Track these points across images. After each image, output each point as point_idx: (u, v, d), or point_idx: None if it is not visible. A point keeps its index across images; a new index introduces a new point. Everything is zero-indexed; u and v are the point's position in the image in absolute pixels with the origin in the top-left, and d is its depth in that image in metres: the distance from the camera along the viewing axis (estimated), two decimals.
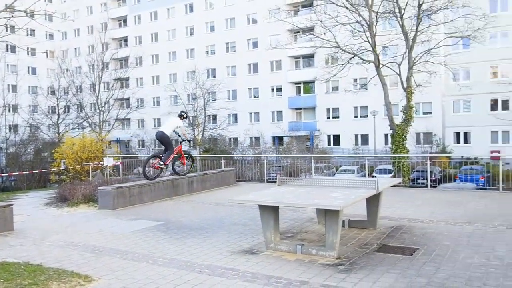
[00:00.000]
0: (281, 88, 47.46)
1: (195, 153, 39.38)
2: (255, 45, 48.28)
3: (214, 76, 49.65)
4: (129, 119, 47.57)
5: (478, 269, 5.27)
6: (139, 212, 9.82)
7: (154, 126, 52.88)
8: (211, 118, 45.61)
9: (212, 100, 45.21)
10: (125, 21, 58.67)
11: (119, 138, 50.44)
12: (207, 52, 52.03)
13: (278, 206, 6.50)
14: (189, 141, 11.91)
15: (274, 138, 44.99)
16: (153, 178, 11.39)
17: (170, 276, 5.41)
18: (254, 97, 49.18)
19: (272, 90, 48.10)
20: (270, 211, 6.35)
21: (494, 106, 37.97)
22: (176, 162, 11.97)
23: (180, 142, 11.56)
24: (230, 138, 45.11)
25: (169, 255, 6.31)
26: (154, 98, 54.63)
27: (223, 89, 46.41)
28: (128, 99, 47.89)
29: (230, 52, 50.45)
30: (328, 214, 5.91)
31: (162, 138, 10.94)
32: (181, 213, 9.72)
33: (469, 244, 6.40)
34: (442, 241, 6.63)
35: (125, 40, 58.50)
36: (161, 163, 10.94)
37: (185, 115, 11.59)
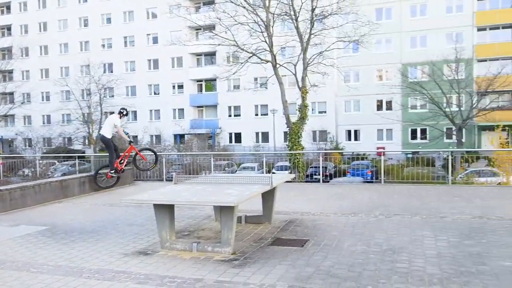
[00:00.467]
0: (182, 85, 46.89)
1: (89, 152, 37.17)
2: (155, 40, 47.05)
3: (111, 71, 47.38)
4: (13, 115, 43.33)
5: (360, 256, 5.71)
6: (21, 217, 8.98)
7: (43, 123, 48.84)
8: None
9: (110, 96, 43.09)
10: (8, 7, 53.24)
11: (1, 136, 45.72)
12: (103, 45, 49.41)
13: (173, 205, 6.39)
14: (130, 142, 11.28)
15: (175, 136, 44.30)
16: (110, 185, 10.68)
17: (55, 284, 5.03)
18: (155, 94, 47.95)
19: (173, 87, 47.32)
20: (165, 210, 6.22)
21: (379, 106, 41.62)
22: (137, 158, 11.35)
23: (130, 143, 11.04)
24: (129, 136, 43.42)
25: (54, 262, 5.85)
26: (43, 93, 50.45)
27: (121, 85, 44.53)
28: (12, 93, 43.59)
29: (128, 46, 48.50)
30: (223, 211, 5.96)
31: (103, 142, 10.27)
32: (70, 216, 9.09)
33: (353, 233, 6.90)
34: (331, 231, 7.07)
35: (9, 28, 53.13)
36: (112, 172, 10.29)
37: (125, 112, 10.83)
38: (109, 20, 49.00)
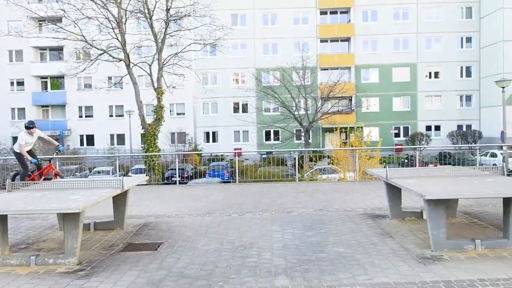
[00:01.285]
0: (23, 82, 41.94)
1: None
2: None
3: None
4: None
5: (213, 254, 5.79)
6: None
7: None
8: None
9: None
10: None
11: None
12: None
13: (6, 215, 5.64)
14: (37, 164, 9.47)
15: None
16: None
17: None
18: None
19: (12, 83, 42.05)
20: None
21: (236, 108, 43.15)
22: None
23: (49, 161, 9.89)
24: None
25: None
26: None
27: None
28: None
29: None
30: (66, 218, 5.46)
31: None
32: None
33: (207, 233, 6.98)
34: (185, 232, 7.03)
35: None
36: None
37: (31, 126, 9.03)
38: None
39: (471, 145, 36.17)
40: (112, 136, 41.43)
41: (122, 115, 39.90)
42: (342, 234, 6.63)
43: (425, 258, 5.33)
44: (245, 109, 42.51)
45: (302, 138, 35.29)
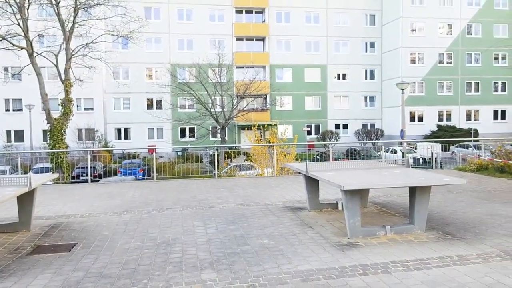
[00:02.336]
0: None
1: None
2: None
3: None
4: None
5: (134, 252, 5.56)
6: None
7: None
8: None
9: None
10: None
11: None
12: None
13: None
14: None
15: None
16: None
17: None
18: None
19: None
20: None
21: (150, 105, 41.84)
22: None
23: None
24: None
25: None
26: None
27: None
28: None
29: None
30: None
31: None
32: None
33: (126, 231, 6.68)
34: (102, 232, 6.67)
35: None
36: None
37: None
38: None
39: (376, 141, 38.92)
40: (8, 132, 37.92)
41: (21, 110, 36.71)
42: (264, 226, 6.74)
43: (343, 245, 5.62)
44: (159, 106, 41.39)
45: (218, 135, 35.32)
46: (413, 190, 5.96)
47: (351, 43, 44.49)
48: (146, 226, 6.95)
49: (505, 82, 43.68)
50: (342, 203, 7.75)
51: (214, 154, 13.96)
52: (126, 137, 41.54)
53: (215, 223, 7.07)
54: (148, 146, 36.64)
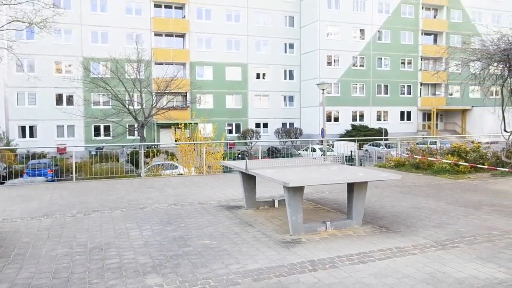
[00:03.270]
0: None
1: None
2: None
3: None
4: None
5: (64, 259, 5.06)
6: None
7: None
8: None
9: None
10: None
11: None
12: None
13: None
14: None
15: None
16: None
17: None
18: None
19: None
20: None
21: (59, 100, 38.97)
22: None
23: None
24: None
25: None
26: None
27: None
28: None
29: None
30: None
31: None
32: None
33: (50, 237, 6.09)
34: (21, 239, 6.00)
35: None
36: None
37: None
38: None
39: (295, 139, 40.09)
40: None
41: None
42: (203, 226, 6.53)
43: (286, 242, 5.61)
44: (70, 101, 38.75)
45: (136, 133, 33.97)
46: (351, 186, 6.14)
47: (271, 43, 45.38)
48: (73, 231, 6.39)
49: (410, 86, 47.42)
50: (278, 201, 7.81)
51: (142, 153, 13.30)
52: (32, 135, 38.31)
53: (149, 224, 6.71)
54: (58, 144, 34.17)
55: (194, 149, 16.34)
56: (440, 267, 4.55)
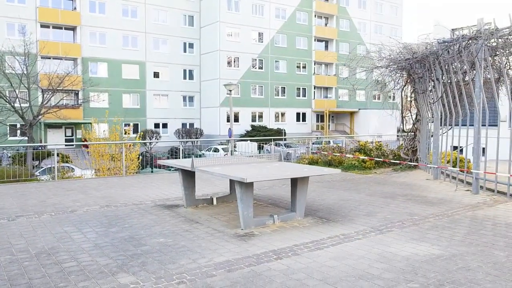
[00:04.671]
0: None
1: None
2: None
3: None
4: None
5: (12, 266, 4.68)
6: None
7: None
8: None
9: None
10: None
11: None
12: None
13: None
14: None
15: None
16: None
17: None
18: None
19: None
20: None
21: None
22: None
23: None
24: None
25: None
26: None
27: None
28: None
29: None
30: None
31: None
32: None
33: None
34: None
35: None
36: None
37: None
38: None
39: (196, 139, 40.04)
40: None
41: None
42: (150, 226, 6.46)
43: (241, 236, 5.86)
44: None
45: (19, 133, 30.94)
46: (294, 181, 6.60)
47: (171, 42, 44.71)
48: (4, 238, 5.87)
49: (305, 88, 50.35)
50: (216, 198, 8.01)
51: (55, 154, 12.30)
52: None
53: (90, 227, 6.43)
54: None
55: (109, 150, 15.60)
56: (385, 248, 5.20)
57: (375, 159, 12.32)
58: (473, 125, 8.88)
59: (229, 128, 23.30)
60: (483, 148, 9.69)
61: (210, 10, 44.88)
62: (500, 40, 7.79)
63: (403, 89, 11.92)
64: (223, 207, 7.72)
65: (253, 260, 4.85)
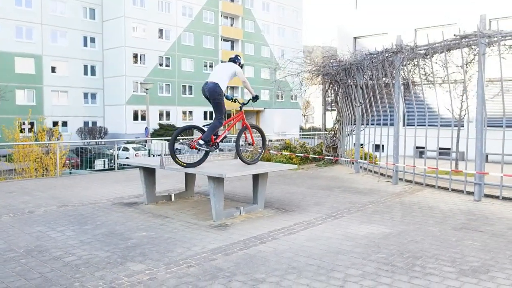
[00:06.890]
0: None
1: None
2: None
3: None
4: None
5: (11, 264, 4.76)
6: None
7: None
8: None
9: None
10: None
11: None
12: None
13: None
14: (255, 98, 7.73)
15: None
16: (190, 164, 6.92)
17: None
18: None
19: None
20: None
21: None
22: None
23: (241, 108, 8.15)
24: None
25: None
26: None
27: None
28: None
29: None
30: None
31: (213, 94, 7.04)
32: None
33: None
34: None
35: None
36: (201, 141, 6.89)
37: (241, 61, 7.68)
38: None
39: (100, 140, 38.45)
40: None
41: None
42: (122, 222, 6.72)
43: (216, 226, 6.46)
44: None
45: None
46: (256, 177, 7.37)
47: (70, 35, 42.25)
48: None
49: None
50: (175, 195, 8.47)
51: None
52: None
53: (62, 226, 6.51)
54: None
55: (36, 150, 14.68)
56: (345, 230, 6.23)
57: (299, 155, 13.60)
58: (386, 125, 10.52)
59: (146, 127, 23.17)
60: (382, 145, 11.46)
61: (113, 4, 43.31)
62: (418, 52, 9.31)
63: (326, 92, 13.34)
64: (182, 203, 8.18)
65: (241, 245, 5.52)
